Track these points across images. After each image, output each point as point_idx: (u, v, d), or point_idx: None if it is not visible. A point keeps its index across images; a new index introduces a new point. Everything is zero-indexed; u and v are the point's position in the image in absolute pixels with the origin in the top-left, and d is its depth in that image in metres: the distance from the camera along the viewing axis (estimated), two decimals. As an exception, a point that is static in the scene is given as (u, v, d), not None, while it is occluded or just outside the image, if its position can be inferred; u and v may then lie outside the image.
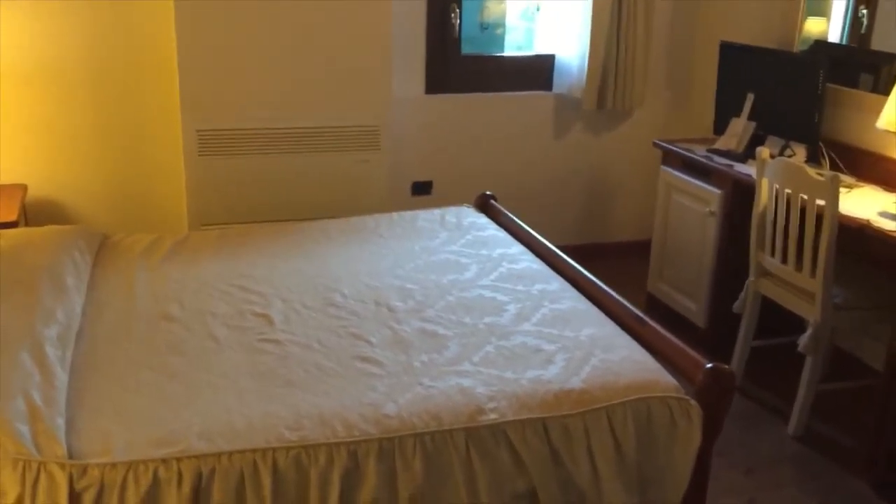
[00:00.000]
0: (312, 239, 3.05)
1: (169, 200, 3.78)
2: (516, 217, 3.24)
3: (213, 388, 2.03)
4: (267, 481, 1.79)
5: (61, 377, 2.00)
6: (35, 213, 3.57)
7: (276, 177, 3.66)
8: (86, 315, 2.39)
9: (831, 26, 3.79)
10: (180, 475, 1.76)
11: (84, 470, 1.72)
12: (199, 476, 1.76)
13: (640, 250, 4.26)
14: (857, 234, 2.81)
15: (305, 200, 3.69)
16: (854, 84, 3.48)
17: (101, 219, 3.64)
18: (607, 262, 3.71)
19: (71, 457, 1.74)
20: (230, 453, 1.80)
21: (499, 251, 2.95)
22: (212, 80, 3.49)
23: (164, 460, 1.76)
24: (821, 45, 3.80)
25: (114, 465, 1.73)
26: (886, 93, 2.97)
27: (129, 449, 1.78)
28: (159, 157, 3.73)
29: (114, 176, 3.72)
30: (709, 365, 2.10)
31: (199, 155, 3.55)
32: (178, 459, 1.77)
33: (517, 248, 2.99)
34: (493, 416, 1.97)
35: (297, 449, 1.83)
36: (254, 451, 1.81)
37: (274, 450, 1.82)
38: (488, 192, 3.47)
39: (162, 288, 2.59)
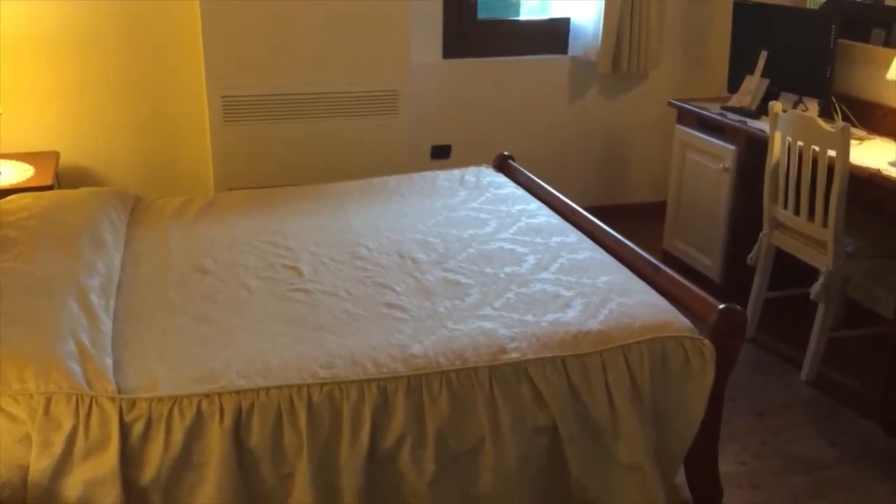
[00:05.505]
0: (336, 198, 3.14)
1: (195, 166, 3.88)
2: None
3: (248, 332, 2.15)
4: (302, 415, 1.91)
5: (106, 323, 2.13)
6: (67, 180, 3.68)
7: (298, 141, 3.75)
8: (124, 269, 2.51)
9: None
10: (222, 409, 1.87)
11: (133, 403, 1.84)
12: (240, 410, 1.88)
13: (655, 211, 4.32)
14: (867, 184, 2.87)
15: (327, 165, 3.78)
16: (866, 39, 3.52)
17: (131, 184, 3.74)
18: (623, 223, 3.71)
19: (120, 392, 1.86)
20: (267, 389, 1.91)
21: (517, 207, 3.04)
22: (235, 48, 3.57)
23: (206, 395, 1.88)
24: (834, 1, 3.83)
25: (160, 399, 1.85)
26: (898, 46, 3.01)
27: (173, 385, 1.90)
28: (185, 123, 3.83)
29: (142, 142, 3.82)
30: (721, 306, 2.19)
31: (224, 121, 3.65)
32: (220, 394, 1.88)
33: (535, 205, 3.07)
34: (514, 355, 2.07)
35: (330, 385, 1.94)
36: (289, 386, 1.92)
37: (308, 386, 1.93)
38: (506, 153, 3.55)
39: (194, 244, 2.70)
